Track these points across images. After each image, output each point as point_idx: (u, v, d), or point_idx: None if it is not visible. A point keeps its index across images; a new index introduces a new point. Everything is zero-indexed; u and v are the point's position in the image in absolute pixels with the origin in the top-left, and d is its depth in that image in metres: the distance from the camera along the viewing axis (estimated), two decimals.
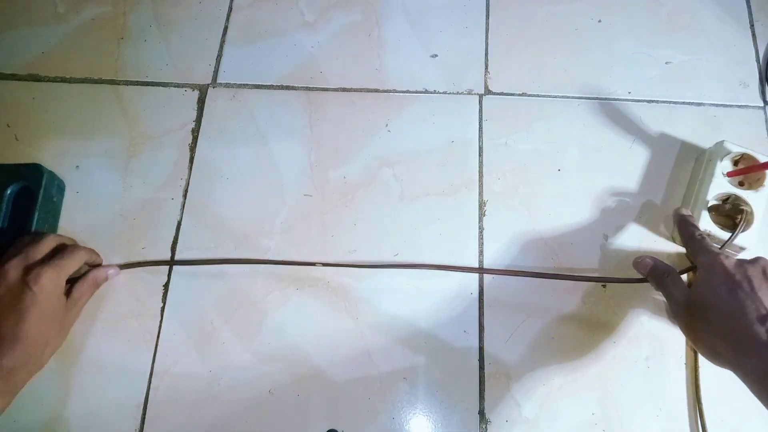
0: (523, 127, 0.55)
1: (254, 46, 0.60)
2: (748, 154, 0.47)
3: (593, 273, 0.50)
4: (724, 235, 0.45)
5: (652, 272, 0.45)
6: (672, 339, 0.48)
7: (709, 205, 0.47)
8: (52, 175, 0.52)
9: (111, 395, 0.47)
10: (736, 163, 0.49)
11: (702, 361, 0.47)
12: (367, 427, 0.46)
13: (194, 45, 0.60)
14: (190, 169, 0.55)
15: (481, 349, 0.48)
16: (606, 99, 0.56)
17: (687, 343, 0.47)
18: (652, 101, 0.56)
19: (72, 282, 0.47)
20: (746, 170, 0.47)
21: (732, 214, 0.47)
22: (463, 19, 0.61)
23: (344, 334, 0.49)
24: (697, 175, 0.51)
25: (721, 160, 0.48)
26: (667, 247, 0.50)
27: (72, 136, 0.57)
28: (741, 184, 0.48)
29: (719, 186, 0.47)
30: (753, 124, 0.55)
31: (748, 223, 0.46)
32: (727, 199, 0.48)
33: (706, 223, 0.46)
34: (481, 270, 0.50)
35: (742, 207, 0.46)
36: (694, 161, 0.53)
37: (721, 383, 0.46)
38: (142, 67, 0.59)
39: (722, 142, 0.49)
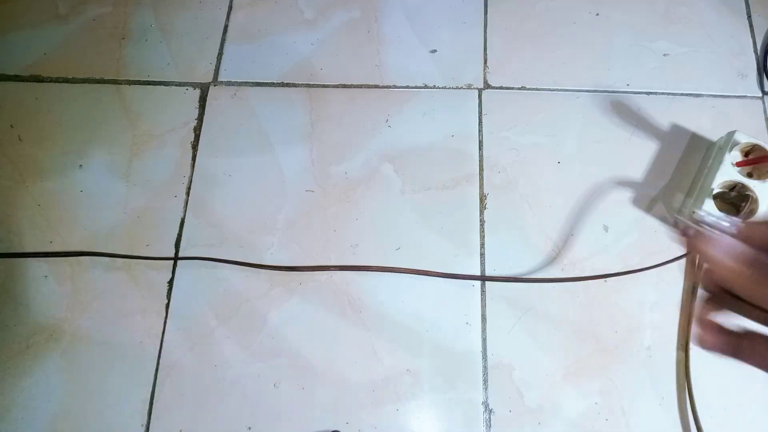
0: (522, 121, 0.56)
1: (255, 44, 0.61)
2: (760, 146, 0.48)
3: (594, 263, 0.50)
4: None
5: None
6: (673, 328, 0.48)
7: (714, 192, 0.47)
8: None
9: (117, 391, 0.48)
10: (746, 153, 0.49)
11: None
12: (372, 419, 0.47)
13: (195, 44, 0.61)
14: (193, 166, 0.55)
15: (483, 340, 0.48)
16: (605, 91, 0.57)
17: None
18: (651, 93, 0.57)
19: None
20: (756, 161, 0.47)
21: (736, 202, 0.48)
22: (461, 15, 0.61)
23: (348, 328, 0.49)
24: (705, 164, 0.51)
25: (731, 149, 0.48)
26: (668, 237, 0.51)
27: (75, 136, 0.57)
28: (749, 175, 0.48)
29: (726, 174, 0.47)
30: (752, 115, 0.55)
31: (752, 211, 0.46)
32: (733, 187, 0.48)
33: (710, 209, 0.46)
34: (483, 278, 0.50)
35: (747, 193, 0.46)
36: (695, 150, 0.54)
37: (713, 367, 0.46)
38: (143, 66, 0.60)
39: (733, 132, 0.49)
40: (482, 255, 0.51)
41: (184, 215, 0.54)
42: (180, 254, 0.52)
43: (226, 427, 0.47)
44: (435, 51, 0.59)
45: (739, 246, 0.25)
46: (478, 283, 0.50)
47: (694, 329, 0.28)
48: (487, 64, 0.59)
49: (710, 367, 0.46)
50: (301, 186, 0.54)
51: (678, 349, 0.47)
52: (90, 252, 0.52)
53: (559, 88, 0.57)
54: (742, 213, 0.45)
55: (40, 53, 0.61)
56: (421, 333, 0.49)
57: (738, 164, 0.48)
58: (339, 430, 0.46)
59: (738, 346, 0.27)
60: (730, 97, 0.56)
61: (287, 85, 0.59)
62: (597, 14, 0.60)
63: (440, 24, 0.61)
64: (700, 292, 0.27)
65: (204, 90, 0.59)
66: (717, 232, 0.25)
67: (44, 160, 0.56)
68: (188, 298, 0.51)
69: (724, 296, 0.27)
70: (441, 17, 0.61)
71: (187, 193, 0.54)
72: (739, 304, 0.27)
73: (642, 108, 0.56)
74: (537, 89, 0.57)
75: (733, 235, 0.25)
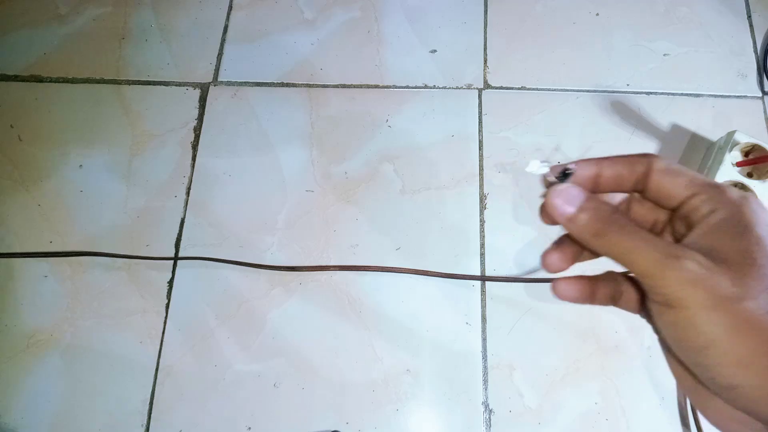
0: (522, 121, 0.56)
1: (254, 44, 0.61)
2: (760, 146, 0.48)
3: (595, 263, 0.50)
4: None
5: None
6: None
7: None
8: None
9: (117, 391, 0.48)
10: (746, 154, 0.49)
11: None
12: (372, 418, 0.47)
13: (195, 44, 0.61)
14: (193, 166, 0.55)
15: (483, 340, 0.48)
16: (605, 91, 0.57)
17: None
18: (651, 93, 0.57)
19: None
20: (756, 161, 0.47)
21: None
22: (461, 15, 0.61)
23: (347, 328, 0.49)
24: (705, 164, 0.51)
25: (731, 149, 0.48)
26: None
27: (75, 136, 0.57)
28: (749, 175, 0.48)
29: (726, 174, 0.47)
30: (752, 115, 0.55)
31: None
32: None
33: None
34: (483, 278, 0.50)
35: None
36: (695, 150, 0.54)
37: None
38: (143, 66, 0.60)
39: (733, 132, 0.49)
40: (482, 255, 0.51)
41: (184, 215, 0.54)
42: (180, 254, 0.52)
43: (226, 427, 0.47)
44: (435, 51, 0.59)
45: (570, 192, 0.24)
46: (478, 283, 0.50)
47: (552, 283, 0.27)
48: (487, 64, 0.59)
49: None
50: (301, 186, 0.54)
51: None
52: (90, 252, 0.52)
53: (559, 88, 0.57)
54: None
55: (40, 53, 0.61)
56: (421, 333, 0.49)
57: (738, 164, 0.48)
58: (339, 430, 0.46)
59: (593, 293, 0.27)
60: (730, 97, 0.56)
61: (287, 85, 0.59)
62: (597, 14, 0.60)
63: (440, 24, 0.61)
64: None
65: (204, 90, 0.59)
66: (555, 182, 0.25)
67: (44, 160, 0.56)
68: (188, 298, 0.51)
69: (568, 243, 0.27)
70: (441, 17, 0.61)
71: (187, 193, 0.54)
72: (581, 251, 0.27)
73: (642, 108, 0.56)
74: (537, 89, 0.57)
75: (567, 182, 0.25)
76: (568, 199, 0.25)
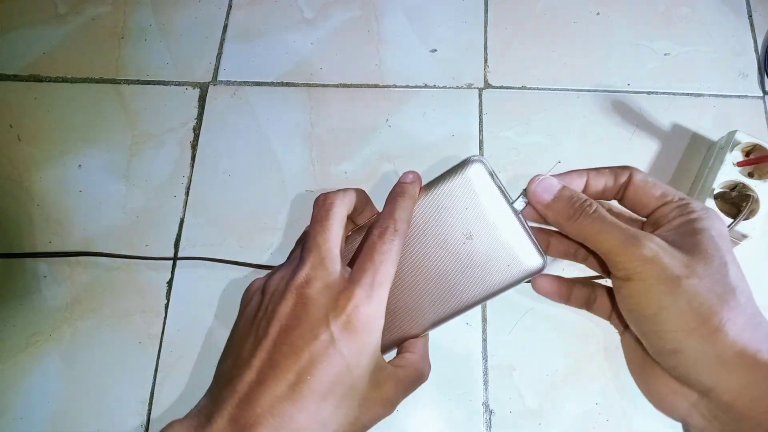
0: (523, 120, 0.56)
1: (254, 43, 0.61)
2: (761, 145, 0.48)
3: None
4: (727, 221, 0.45)
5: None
6: None
7: (715, 192, 0.47)
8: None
9: (116, 391, 0.48)
10: (747, 153, 0.49)
11: None
12: None
13: (194, 43, 0.61)
14: (192, 166, 0.55)
15: (484, 341, 0.48)
16: (605, 91, 0.56)
17: None
18: (652, 93, 0.56)
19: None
20: (757, 160, 0.47)
21: (737, 202, 0.47)
22: (461, 14, 0.61)
23: None
24: (706, 164, 0.51)
25: (732, 149, 0.48)
26: None
27: (74, 136, 0.57)
28: (750, 175, 0.48)
29: (727, 174, 0.47)
30: (753, 114, 0.55)
31: (753, 211, 0.46)
32: (734, 187, 0.48)
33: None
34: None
35: (748, 193, 0.46)
36: (696, 150, 0.54)
37: None
38: (142, 66, 0.60)
39: (734, 132, 0.49)
40: None
41: (184, 215, 0.53)
42: (179, 254, 0.52)
43: None
44: (435, 50, 0.59)
45: (548, 182, 0.30)
46: None
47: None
48: (488, 64, 0.58)
49: None
50: (301, 186, 0.54)
51: None
52: (89, 252, 0.51)
53: (560, 87, 0.57)
54: (743, 213, 0.45)
55: (39, 53, 0.60)
56: None
57: (739, 164, 0.48)
58: None
59: (569, 293, 0.34)
60: (731, 96, 0.56)
61: (287, 84, 0.58)
62: (597, 13, 0.60)
63: (440, 23, 0.60)
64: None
65: (203, 89, 0.59)
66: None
67: (43, 159, 0.56)
68: (188, 298, 0.50)
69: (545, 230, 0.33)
70: (441, 16, 0.61)
71: (187, 193, 0.54)
72: (555, 238, 0.34)
73: (642, 108, 0.56)
74: (537, 89, 0.57)
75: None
76: (546, 188, 0.30)
